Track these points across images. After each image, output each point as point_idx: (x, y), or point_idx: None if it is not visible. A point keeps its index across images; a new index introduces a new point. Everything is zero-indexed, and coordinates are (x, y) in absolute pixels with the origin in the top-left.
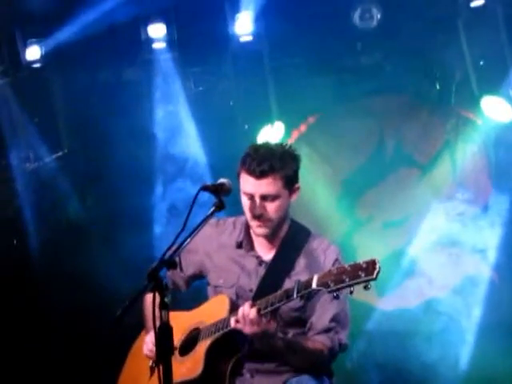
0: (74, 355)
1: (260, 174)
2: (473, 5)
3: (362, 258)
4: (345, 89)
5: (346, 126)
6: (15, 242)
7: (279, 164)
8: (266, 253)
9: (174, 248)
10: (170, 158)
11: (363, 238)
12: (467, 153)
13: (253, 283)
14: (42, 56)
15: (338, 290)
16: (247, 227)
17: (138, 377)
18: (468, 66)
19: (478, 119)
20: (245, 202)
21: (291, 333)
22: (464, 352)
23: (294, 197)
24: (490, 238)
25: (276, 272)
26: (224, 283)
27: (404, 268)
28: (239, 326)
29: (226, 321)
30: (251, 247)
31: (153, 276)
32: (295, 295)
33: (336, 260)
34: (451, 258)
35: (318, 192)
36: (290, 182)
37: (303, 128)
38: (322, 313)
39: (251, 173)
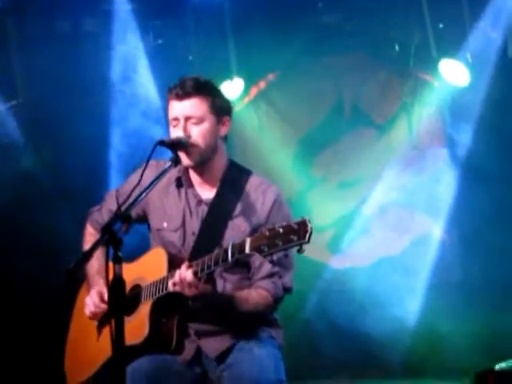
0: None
1: (183, 94)
2: None
3: (316, 218)
4: (305, 47)
5: (306, 85)
6: None
7: (203, 87)
8: (205, 191)
9: (128, 201)
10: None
11: (318, 197)
12: (424, 115)
13: (194, 225)
14: None
15: (272, 254)
16: None
17: (86, 339)
18: (427, 29)
19: (436, 82)
20: (171, 132)
21: (235, 279)
22: (413, 309)
23: (224, 129)
24: (442, 199)
25: (217, 213)
26: (168, 226)
27: (357, 227)
28: (177, 288)
29: (165, 281)
30: (189, 184)
31: (107, 229)
32: (230, 259)
33: (275, 201)
34: (404, 218)
35: (274, 149)
36: (217, 109)
37: (262, 85)
38: (264, 259)
39: (175, 96)
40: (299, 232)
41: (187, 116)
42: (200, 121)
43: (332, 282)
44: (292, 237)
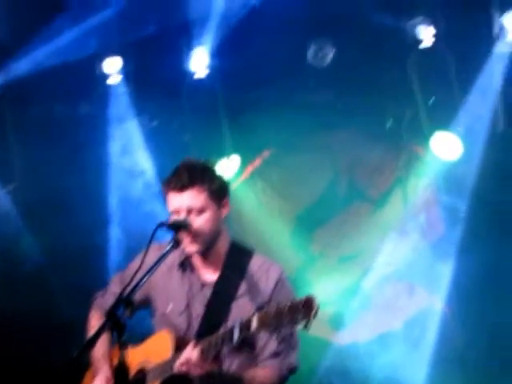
0: None
1: (181, 187)
2: (421, 46)
3: (316, 293)
4: (298, 124)
5: (300, 161)
6: None
7: (200, 176)
8: (209, 274)
9: (131, 285)
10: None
11: (317, 272)
12: (418, 188)
13: (199, 308)
14: None
15: (278, 331)
16: None
17: None
18: (418, 104)
19: (429, 155)
20: (173, 219)
21: (241, 358)
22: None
23: (224, 212)
24: (442, 272)
25: (221, 296)
26: (172, 310)
27: (358, 302)
28: (184, 368)
29: (171, 362)
30: (193, 268)
31: (111, 315)
32: (236, 337)
33: (278, 280)
34: (404, 292)
35: (272, 226)
36: (217, 195)
37: (258, 162)
38: (270, 337)
39: (173, 189)
40: (305, 309)
41: (188, 208)
42: (201, 210)
43: (335, 358)
44: (298, 314)
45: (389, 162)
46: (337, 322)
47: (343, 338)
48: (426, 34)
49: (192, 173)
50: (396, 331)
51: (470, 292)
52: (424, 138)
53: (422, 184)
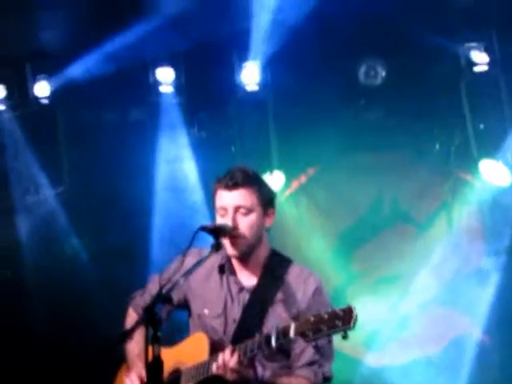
0: None
1: (233, 185)
2: (476, 69)
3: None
4: (346, 143)
5: (345, 180)
6: (9, 274)
7: (253, 179)
8: (247, 279)
9: (169, 284)
10: (169, 201)
11: (357, 291)
12: (463, 214)
13: (236, 312)
14: (50, 92)
15: (316, 339)
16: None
17: None
18: (468, 129)
19: (476, 182)
20: (218, 221)
21: (276, 365)
22: None
23: (269, 221)
24: (482, 299)
25: (258, 301)
26: (209, 313)
27: (394, 325)
28: (220, 372)
29: (207, 365)
30: (232, 271)
31: (148, 310)
32: (274, 344)
33: (316, 289)
34: (442, 318)
35: (313, 243)
36: (265, 201)
37: (303, 179)
38: (306, 346)
39: (225, 186)
40: (344, 318)
41: (237, 206)
42: (248, 212)
43: (368, 379)
44: (337, 322)
45: (435, 186)
46: (371, 343)
47: (377, 360)
48: (480, 58)
49: (246, 174)
50: (431, 356)
51: (509, 320)
52: (472, 163)
53: (467, 210)
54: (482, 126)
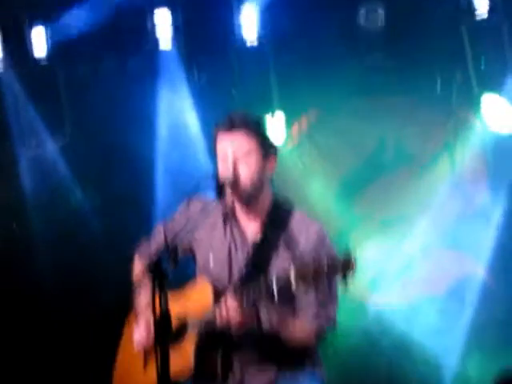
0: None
1: (232, 129)
2: (477, 13)
3: (357, 256)
4: (347, 87)
5: (347, 124)
6: (14, 225)
7: (252, 123)
8: (251, 227)
9: (175, 234)
10: (171, 148)
11: (359, 234)
12: (466, 155)
13: (240, 261)
14: (47, 45)
15: (316, 285)
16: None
17: (132, 370)
18: (470, 68)
19: (478, 122)
20: (219, 167)
21: (279, 310)
22: (453, 351)
23: (270, 168)
24: (485, 240)
25: (262, 249)
26: (214, 262)
27: (398, 267)
28: (222, 319)
29: (211, 311)
30: (235, 221)
31: (154, 264)
32: (275, 289)
33: (318, 236)
34: (446, 259)
35: (315, 188)
36: (265, 146)
37: (304, 124)
38: (309, 290)
39: (224, 130)
40: (344, 266)
41: (235, 149)
42: (248, 155)
43: (372, 321)
44: (337, 269)
45: (437, 127)
46: (376, 285)
47: (380, 301)
48: (482, 3)
49: (245, 118)
50: (435, 297)
51: None
52: (474, 103)
53: (470, 150)
54: (483, 63)
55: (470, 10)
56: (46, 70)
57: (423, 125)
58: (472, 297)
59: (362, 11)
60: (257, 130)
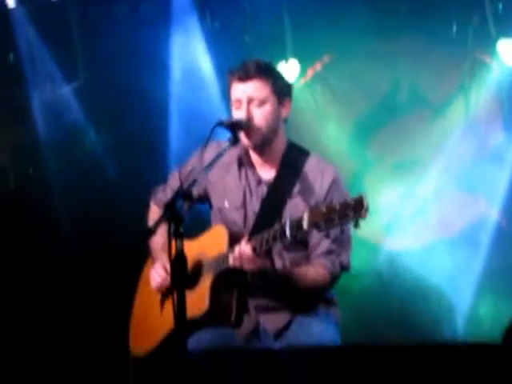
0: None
1: (246, 76)
2: None
3: (371, 199)
4: (360, 30)
5: (361, 66)
6: (31, 171)
7: (265, 69)
8: (265, 172)
9: (190, 179)
10: (184, 92)
11: (373, 177)
12: (481, 96)
13: (255, 204)
14: None
15: (328, 229)
16: None
17: (150, 311)
18: (486, 9)
19: (494, 63)
20: (233, 113)
21: (293, 256)
22: (467, 293)
23: (285, 111)
24: (500, 182)
25: (276, 193)
26: (229, 206)
27: (412, 209)
28: (237, 263)
29: (225, 256)
30: (250, 164)
31: (170, 207)
32: (288, 234)
33: (333, 181)
34: (460, 201)
35: (329, 131)
36: (279, 91)
37: (318, 66)
38: (322, 236)
39: (238, 78)
40: (356, 207)
41: (250, 97)
42: (262, 102)
43: (386, 263)
44: (348, 212)
45: (452, 69)
46: (390, 228)
47: (395, 244)
48: None
49: (259, 65)
50: (449, 239)
51: None
52: (490, 44)
53: (485, 93)
54: (500, 5)
55: None
56: (58, 12)
57: (438, 67)
58: (486, 239)
59: None
60: (271, 77)
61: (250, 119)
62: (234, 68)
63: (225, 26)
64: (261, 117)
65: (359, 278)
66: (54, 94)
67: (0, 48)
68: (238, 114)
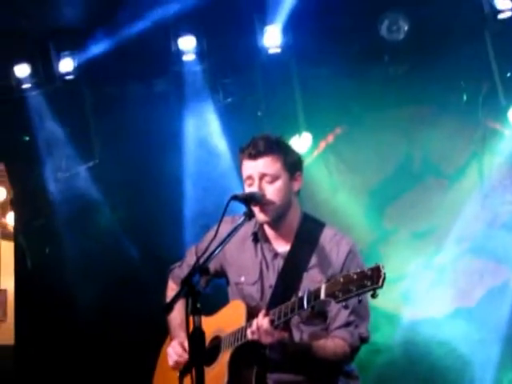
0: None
1: (256, 154)
2: (500, 17)
3: (388, 269)
4: (372, 100)
5: (373, 137)
6: (47, 250)
7: (276, 146)
8: (281, 245)
9: (206, 255)
10: (198, 169)
11: (390, 248)
12: (494, 164)
13: (271, 278)
14: (74, 68)
15: (346, 299)
16: None
17: None
18: (495, 77)
19: (506, 131)
20: (246, 189)
21: (312, 329)
22: (487, 362)
23: (297, 185)
24: None
25: (293, 266)
26: (246, 280)
27: (431, 278)
28: (255, 337)
29: (244, 330)
30: (265, 239)
31: (186, 282)
32: (306, 307)
33: (349, 252)
34: (478, 269)
35: (344, 202)
36: (290, 167)
37: (330, 138)
38: (340, 307)
39: (248, 156)
40: (373, 277)
41: (261, 174)
42: (274, 179)
43: (405, 333)
44: (366, 282)
45: (464, 137)
46: (408, 298)
47: (414, 313)
48: (504, 5)
49: (268, 142)
50: (468, 308)
51: None
52: (501, 112)
53: (498, 160)
54: (508, 74)
55: (495, 19)
56: (73, 93)
57: (450, 135)
58: (505, 306)
59: (385, 23)
60: (281, 153)
61: (263, 194)
62: (244, 145)
63: (237, 102)
64: (273, 193)
65: (381, 351)
66: (69, 174)
67: (16, 129)
68: (251, 189)
